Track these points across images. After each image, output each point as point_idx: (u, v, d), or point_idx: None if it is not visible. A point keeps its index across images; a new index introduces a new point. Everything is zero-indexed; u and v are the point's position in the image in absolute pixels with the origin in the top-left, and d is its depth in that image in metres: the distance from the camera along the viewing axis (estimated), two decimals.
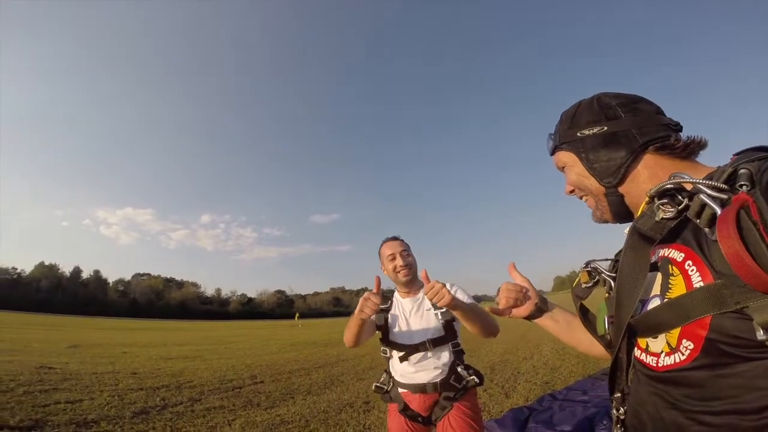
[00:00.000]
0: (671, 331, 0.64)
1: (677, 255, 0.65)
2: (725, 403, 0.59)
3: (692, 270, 0.62)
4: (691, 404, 0.63)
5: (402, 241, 2.08)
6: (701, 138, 0.75)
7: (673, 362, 0.64)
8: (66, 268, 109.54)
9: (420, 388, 1.86)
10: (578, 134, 0.82)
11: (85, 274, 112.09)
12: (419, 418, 1.87)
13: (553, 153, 0.91)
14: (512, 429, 3.39)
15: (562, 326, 1.04)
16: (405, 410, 1.88)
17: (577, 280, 0.95)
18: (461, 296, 1.86)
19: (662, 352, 0.66)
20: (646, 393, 0.71)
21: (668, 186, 0.67)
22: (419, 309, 1.97)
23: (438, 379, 1.85)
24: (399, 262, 1.97)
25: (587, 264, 0.92)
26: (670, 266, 0.66)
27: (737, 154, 0.66)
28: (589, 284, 0.91)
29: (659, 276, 0.68)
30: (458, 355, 1.94)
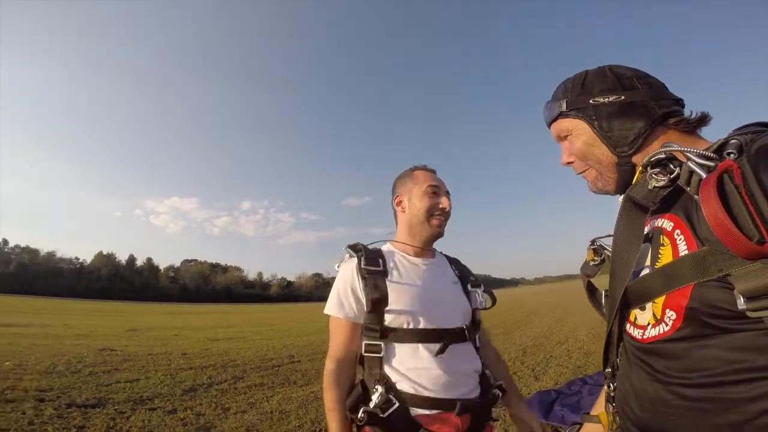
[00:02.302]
0: (656, 301, 0.65)
1: (668, 224, 0.66)
2: (702, 375, 0.60)
3: (680, 239, 0.63)
4: (672, 376, 0.64)
5: None
6: (707, 113, 0.75)
7: (657, 333, 0.65)
8: (122, 257, 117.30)
9: (449, 406, 1.14)
10: (590, 101, 0.79)
11: (139, 262, 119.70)
12: None
13: (554, 120, 0.87)
14: (537, 411, 3.40)
15: None
16: None
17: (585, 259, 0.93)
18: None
19: (648, 324, 0.67)
20: (632, 366, 0.72)
21: (660, 156, 0.68)
22: (441, 277, 1.34)
23: (476, 393, 1.21)
24: (447, 203, 1.34)
25: (593, 241, 0.90)
26: (661, 236, 0.67)
27: (737, 129, 0.66)
28: (596, 262, 0.89)
29: (651, 247, 0.69)
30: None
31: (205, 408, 3.98)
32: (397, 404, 1.12)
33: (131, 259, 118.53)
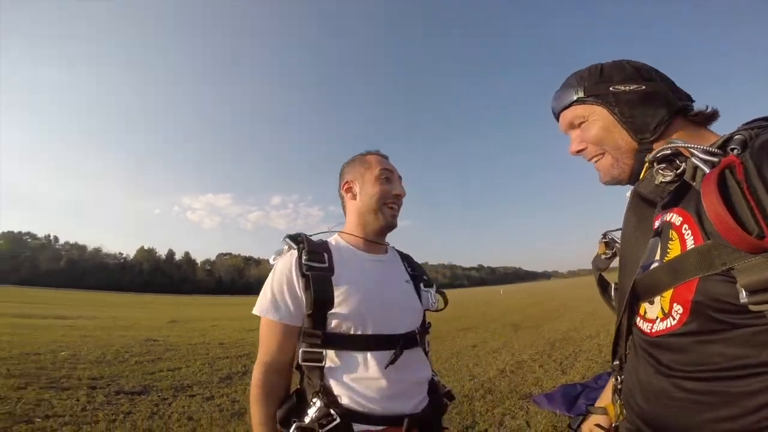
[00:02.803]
0: (664, 295, 0.66)
1: (677, 219, 0.67)
2: (706, 370, 0.61)
3: (687, 233, 0.63)
4: (676, 370, 0.65)
5: None
6: (716, 109, 0.76)
7: (665, 327, 0.66)
8: (162, 252, 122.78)
9: (397, 422, 1.02)
10: (611, 89, 0.79)
11: (177, 257, 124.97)
12: None
13: (566, 108, 0.86)
14: (561, 404, 3.38)
15: None
16: None
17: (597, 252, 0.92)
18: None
19: (657, 318, 0.68)
20: (639, 360, 0.74)
21: (666, 151, 0.69)
22: (393, 275, 1.22)
23: (425, 403, 1.10)
24: (398, 188, 1.22)
25: (604, 235, 0.90)
26: (670, 231, 0.67)
27: (745, 124, 0.67)
28: (608, 255, 0.89)
29: (660, 241, 0.70)
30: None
31: (239, 395, 4.19)
32: (338, 420, 0.97)
33: (170, 254, 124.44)
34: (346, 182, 1.24)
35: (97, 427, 3.05)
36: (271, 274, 1.11)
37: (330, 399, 1.00)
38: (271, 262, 1.15)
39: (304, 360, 1.03)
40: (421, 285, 1.25)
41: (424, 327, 1.21)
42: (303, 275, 1.05)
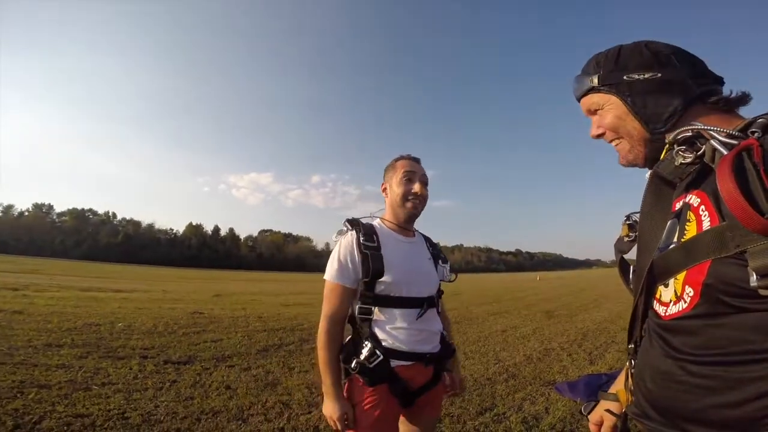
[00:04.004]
0: (678, 277, 0.66)
1: (695, 200, 0.67)
2: (712, 354, 0.61)
3: (704, 215, 0.63)
4: (684, 353, 0.65)
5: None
6: (747, 93, 0.74)
7: (677, 310, 0.66)
8: (208, 228, 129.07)
9: (421, 359, 1.43)
10: (625, 77, 0.78)
11: (222, 232, 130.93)
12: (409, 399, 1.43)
13: (584, 95, 0.86)
14: (583, 394, 3.35)
15: None
16: (399, 392, 1.39)
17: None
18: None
19: (670, 301, 0.68)
20: (652, 343, 0.74)
21: (687, 133, 0.69)
22: (420, 254, 1.58)
23: (437, 349, 1.49)
24: (418, 188, 1.51)
25: (628, 217, 0.90)
26: (688, 212, 0.67)
27: None
28: (631, 238, 0.88)
29: (679, 222, 0.70)
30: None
31: (274, 366, 4.48)
32: (381, 357, 1.36)
33: (216, 230, 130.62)
34: (383, 184, 1.61)
35: (145, 395, 3.37)
36: (336, 248, 1.45)
37: (376, 342, 1.38)
38: (334, 239, 1.51)
39: (360, 314, 1.42)
40: (440, 261, 1.63)
41: (439, 293, 1.59)
42: (362, 252, 1.41)
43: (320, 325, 1.42)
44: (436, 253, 1.65)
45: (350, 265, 1.41)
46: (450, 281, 1.66)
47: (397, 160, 1.59)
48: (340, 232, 1.50)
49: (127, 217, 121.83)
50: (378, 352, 1.36)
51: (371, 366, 1.35)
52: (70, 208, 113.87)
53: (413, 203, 1.52)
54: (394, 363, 1.38)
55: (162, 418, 2.93)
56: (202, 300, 12.07)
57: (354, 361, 1.37)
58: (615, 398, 0.93)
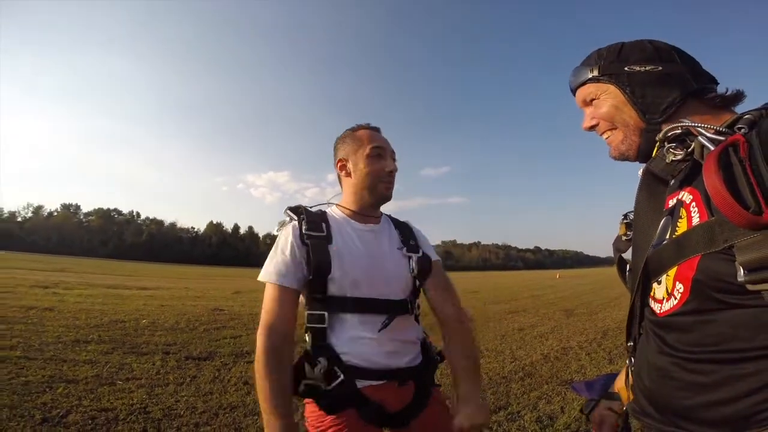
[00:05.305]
0: (669, 273, 0.66)
1: (687, 197, 0.67)
2: (705, 351, 0.61)
3: (694, 211, 0.63)
4: (678, 350, 0.65)
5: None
6: (742, 91, 0.75)
7: (670, 307, 0.67)
8: (228, 226, 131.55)
9: (394, 376, 1.14)
10: (626, 69, 0.79)
11: (241, 231, 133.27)
12: (390, 422, 1.13)
13: (581, 85, 0.86)
14: (599, 393, 3.32)
15: None
16: (374, 416, 1.09)
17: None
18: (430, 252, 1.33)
19: (663, 298, 0.69)
20: (649, 340, 0.74)
21: (676, 131, 0.70)
22: (383, 244, 1.25)
23: (417, 362, 1.20)
24: (393, 165, 1.25)
25: (625, 215, 0.90)
26: (680, 209, 0.68)
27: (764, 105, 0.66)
28: (628, 236, 0.88)
29: (672, 219, 0.70)
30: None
31: None
32: (342, 377, 1.07)
33: (235, 228, 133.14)
34: (340, 160, 1.29)
35: (166, 390, 3.47)
36: (275, 243, 1.20)
37: (333, 357, 1.09)
38: (275, 232, 1.25)
39: (309, 322, 1.14)
40: (406, 250, 1.27)
41: (415, 293, 1.26)
42: (304, 243, 1.14)
43: (258, 341, 1.07)
44: (406, 240, 1.30)
45: (289, 261, 1.12)
46: (414, 276, 1.24)
47: (355, 130, 1.29)
48: (282, 223, 1.24)
49: (151, 217, 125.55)
50: (337, 370, 1.08)
51: (329, 389, 1.07)
52: (96, 207, 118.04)
53: (386, 184, 1.24)
54: (360, 383, 1.10)
55: (182, 412, 3.02)
56: (222, 297, 12.34)
57: (302, 383, 1.08)
58: (617, 397, 0.93)
